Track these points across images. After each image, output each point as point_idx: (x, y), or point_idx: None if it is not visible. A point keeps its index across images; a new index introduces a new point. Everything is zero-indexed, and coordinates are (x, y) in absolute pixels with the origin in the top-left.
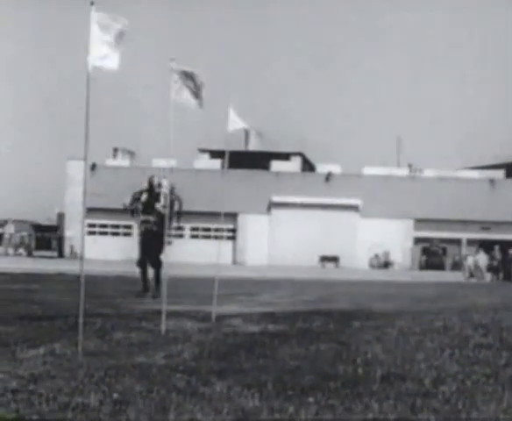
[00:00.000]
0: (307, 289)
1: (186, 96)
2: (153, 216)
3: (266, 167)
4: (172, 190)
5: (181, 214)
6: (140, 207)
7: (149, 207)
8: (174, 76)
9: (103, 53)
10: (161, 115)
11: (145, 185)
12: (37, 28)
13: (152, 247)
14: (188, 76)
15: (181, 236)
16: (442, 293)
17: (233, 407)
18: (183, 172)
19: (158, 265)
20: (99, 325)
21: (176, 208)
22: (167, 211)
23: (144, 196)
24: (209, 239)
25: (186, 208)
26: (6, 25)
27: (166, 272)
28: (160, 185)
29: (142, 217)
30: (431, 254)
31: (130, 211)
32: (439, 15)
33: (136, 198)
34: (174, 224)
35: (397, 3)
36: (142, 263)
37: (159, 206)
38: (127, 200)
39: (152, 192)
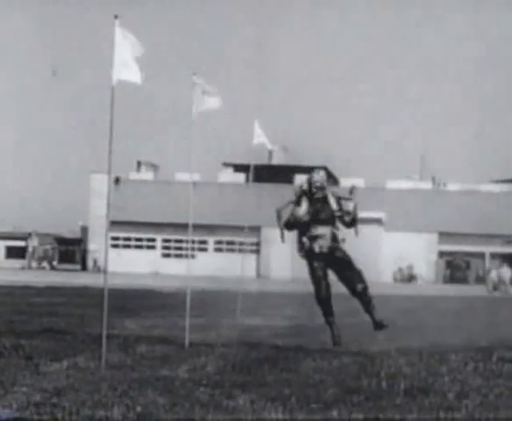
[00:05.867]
0: None
1: (208, 103)
2: (332, 227)
3: (289, 180)
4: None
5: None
6: (305, 217)
7: (322, 216)
8: (196, 90)
9: (126, 67)
10: (185, 129)
11: (304, 186)
12: (61, 40)
13: (346, 269)
14: (208, 91)
15: (204, 249)
16: (466, 307)
17: (256, 420)
18: (207, 186)
19: (365, 284)
20: (122, 338)
21: (352, 214)
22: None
23: (305, 204)
24: (233, 252)
25: (209, 221)
26: (30, 37)
27: (188, 285)
28: (322, 187)
29: (314, 232)
30: (455, 268)
31: (288, 225)
32: (464, 32)
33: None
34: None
35: (421, 18)
36: (328, 298)
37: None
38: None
39: (317, 195)
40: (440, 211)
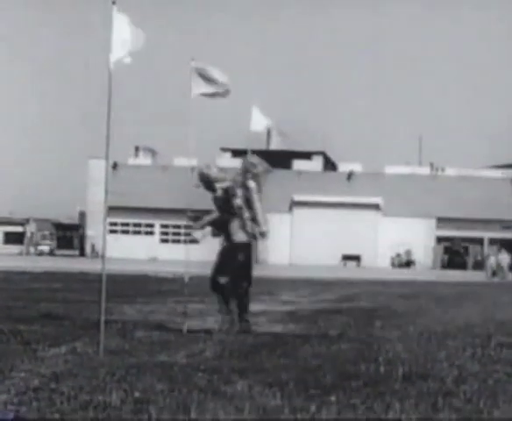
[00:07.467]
0: (329, 288)
1: (207, 91)
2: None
3: (288, 166)
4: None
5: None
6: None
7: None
8: (194, 75)
9: (124, 52)
10: (183, 113)
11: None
12: (59, 27)
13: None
14: (208, 74)
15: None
16: (464, 292)
17: (255, 406)
18: None
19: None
20: (120, 324)
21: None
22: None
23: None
24: None
25: (207, 206)
26: (29, 25)
27: (186, 271)
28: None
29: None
30: (453, 253)
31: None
32: (462, 15)
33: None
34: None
35: (416, 6)
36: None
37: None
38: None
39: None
40: (438, 197)
